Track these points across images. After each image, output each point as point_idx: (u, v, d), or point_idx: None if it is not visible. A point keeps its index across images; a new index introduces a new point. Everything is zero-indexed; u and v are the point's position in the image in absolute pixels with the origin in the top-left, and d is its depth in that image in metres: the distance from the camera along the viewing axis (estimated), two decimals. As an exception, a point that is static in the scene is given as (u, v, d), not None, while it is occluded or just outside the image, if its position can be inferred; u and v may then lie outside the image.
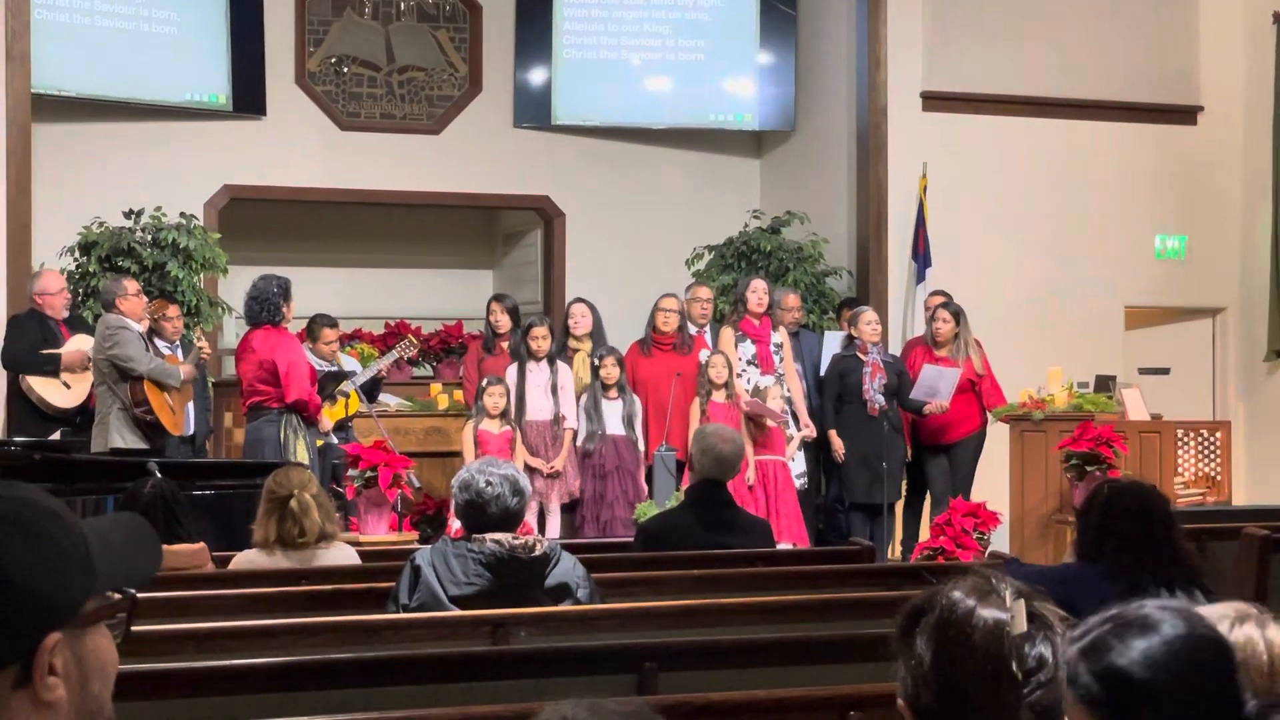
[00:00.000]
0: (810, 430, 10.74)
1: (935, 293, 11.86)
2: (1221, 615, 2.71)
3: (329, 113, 13.80)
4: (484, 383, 10.26)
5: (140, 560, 1.76)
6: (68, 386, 10.17)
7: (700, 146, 14.53)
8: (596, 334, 10.87)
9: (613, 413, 10.40)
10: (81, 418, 10.17)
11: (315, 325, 10.45)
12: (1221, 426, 11.00)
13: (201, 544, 5.94)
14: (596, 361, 10.49)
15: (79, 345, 10.23)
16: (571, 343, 10.83)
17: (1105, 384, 11.17)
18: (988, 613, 2.18)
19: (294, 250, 14.52)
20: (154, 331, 10.20)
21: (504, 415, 10.16)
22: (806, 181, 13.94)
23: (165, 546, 5.81)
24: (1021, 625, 2.17)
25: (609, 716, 1.90)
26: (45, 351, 10.14)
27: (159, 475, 6.36)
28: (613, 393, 10.41)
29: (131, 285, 9.95)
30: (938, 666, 2.18)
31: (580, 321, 10.87)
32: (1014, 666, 2.17)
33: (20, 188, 11.07)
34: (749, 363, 10.75)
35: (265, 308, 9.60)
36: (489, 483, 5.05)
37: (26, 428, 10.00)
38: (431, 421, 11.53)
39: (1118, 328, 13.28)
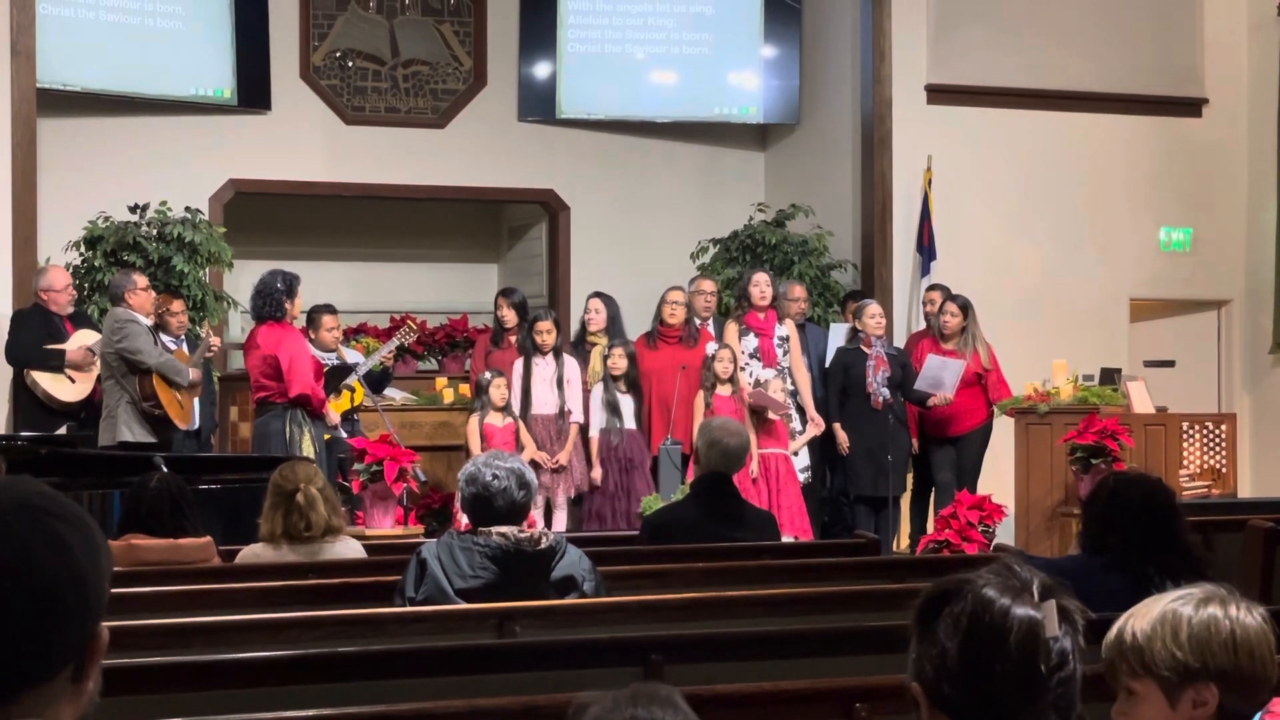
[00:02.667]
0: (817, 424, 10.73)
1: (933, 287, 11.86)
2: (1188, 596, 2.75)
3: (334, 107, 13.80)
4: (485, 376, 10.27)
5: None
6: (72, 381, 10.18)
7: (705, 140, 14.52)
8: (611, 328, 10.87)
9: (627, 407, 10.42)
10: (86, 412, 10.18)
11: (315, 314, 10.46)
12: (1227, 419, 11.00)
13: (208, 538, 5.95)
14: (606, 353, 10.49)
15: (82, 341, 10.24)
16: (590, 337, 10.85)
17: (1110, 377, 11.17)
18: (1022, 612, 2.17)
19: (299, 244, 14.52)
20: (159, 326, 10.21)
21: (507, 408, 10.17)
22: (811, 174, 13.94)
23: (172, 541, 5.83)
24: (1054, 629, 2.17)
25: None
26: (49, 347, 10.15)
27: (165, 470, 6.38)
28: (622, 385, 10.41)
29: (141, 279, 9.97)
30: (968, 664, 2.17)
31: (594, 318, 10.87)
32: (1043, 668, 2.17)
33: (26, 182, 11.08)
34: (751, 355, 10.75)
35: (268, 303, 9.61)
36: (495, 476, 5.05)
37: (32, 423, 10.02)
38: (440, 415, 11.55)
39: (1122, 320, 13.29)
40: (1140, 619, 2.72)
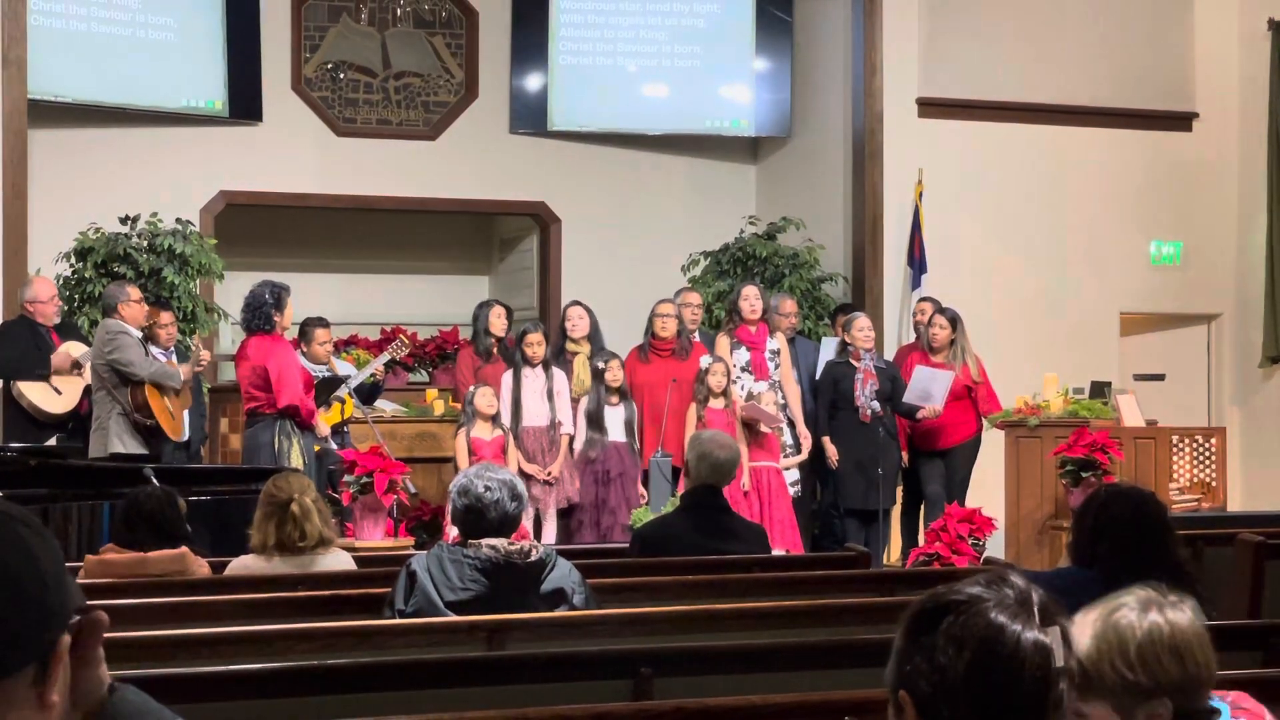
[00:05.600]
0: (807, 441, 10.74)
1: (923, 299, 11.86)
2: (1123, 605, 2.69)
3: (325, 119, 13.81)
4: (471, 390, 10.27)
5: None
6: (59, 393, 10.16)
7: (696, 152, 14.54)
8: (594, 336, 10.86)
9: (615, 419, 10.41)
10: (74, 423, 10.16)
11: (308, 327, 10.46)
12: (1217, 432, 11.02)
13: (183, 549, 5.92)
14: (602, 365, 10.45)
15: (69, 353, 10.21)
16: (570, 346, 10.82)
17: (1100, 390, 11.18)
18: (1032, 638, 2.16)
19: (290, 256, 14.52)
20: (149, 338, 10.20)
21: (495, 419, 10.17)
22: (802, 187, 13.95)
23: (147, 554, 5.83)
24: (1061, 658, 2.16)
25: None
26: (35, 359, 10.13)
27: (154, 481, 6.37)
28: (614, 398, 10.41)
29: (134, 291, 9.96)
30: (976, 691, 2.14)
31: (577, 324, 10.84)
32: (1050, 695, 2.16)
33: (17, 193, 11.07)
34: (743, 369, 10.75)
35: (257, 315, 9.63)
36: (488, 487, 5.04)
37: (18, 434, 9.99)
38: (424, 427, 11.53)
39: (1113, 334, 13.30)
40: (1081, 636, 2.59)
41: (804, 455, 10.75)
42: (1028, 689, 2.14)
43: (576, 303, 11.05)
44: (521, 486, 5.20)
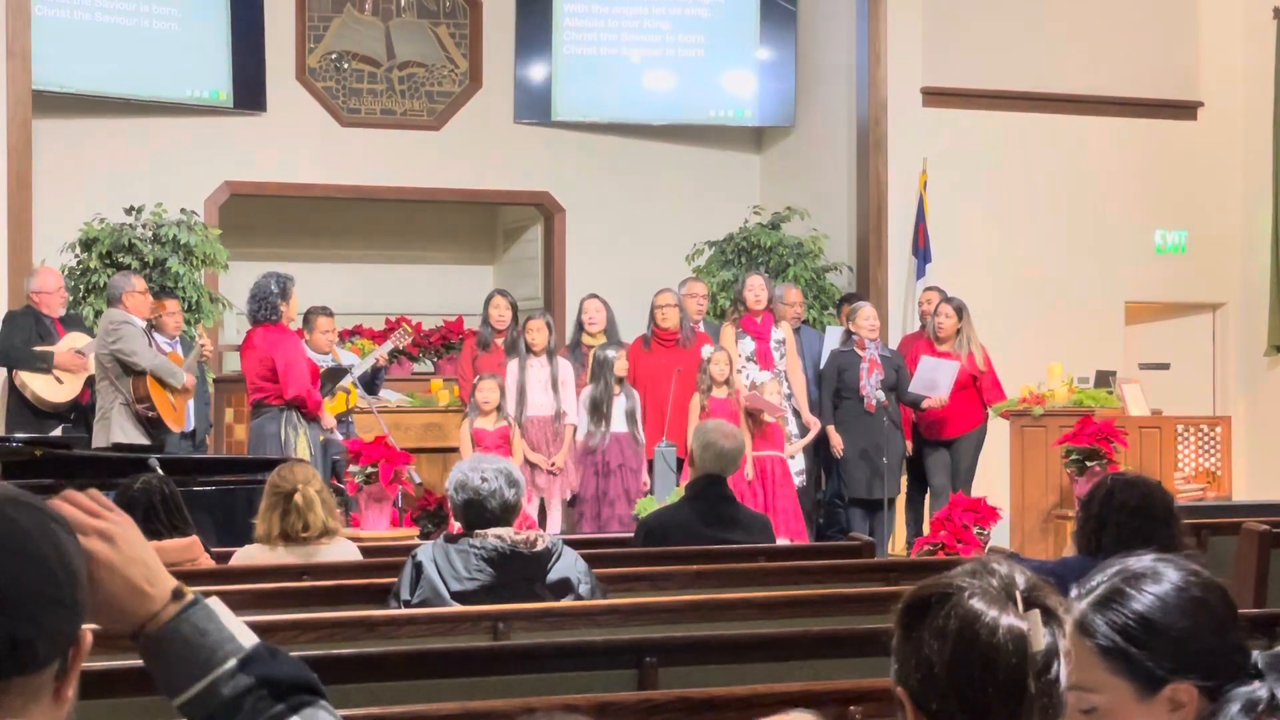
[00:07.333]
0: (815, 426, 10.73)
1: (929, 289, 11.86)
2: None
3: (329, 109, 13.80)
4: (476, 380, 10.26)
5: None
6: (60, 382, 10.17)
7: (700, 142, 14.53)
8: (610, 330, 10.86)
9: (618, 409, 10.40)
10: (75, 413, 10.17)
11: (310, 316, 10.46)
12: (1221, 421, 11.01)
13: (193, 538, 5.93)
14: (613, 355, 10.40)
15: (73, 343, 10.22)
16: (586, 338, 10.81)
17: (1105, 379, 11.18)
18: (1008, 624, 2.15)
19: (294, 246, 14.52)
20: (154, 327, 10.20)
21: (498, 411, 10.15)
22: (806, 177, 13.94)
23: (155, 544, 5.82)
24: (1039, 642, 2.16)
25: None
26: (39, 349, 10.14)
27: (159, 471, 6.37)
28: (616, 388, 10.41)
29: (139, 282, 9.98)
30: (957, 682, 2.14)
31: (595, 317, 10.84)
32: (1031, 681, 2.15)
33: (21, 184, 11.08)
34: (748, 359, 10.75)
35: (262, 306, 9.63)
36: (484, 478, 5.05)
37: (20, 424, 10.00)
38: (429, 417, 11.52)
39: (1118, 323, 13.29)
40: None
41: (811, 437, 10.73)
42: (1004, 676, 2.14)
43: (594, 296, 11.03)
44: (518, 472, 5.22)
